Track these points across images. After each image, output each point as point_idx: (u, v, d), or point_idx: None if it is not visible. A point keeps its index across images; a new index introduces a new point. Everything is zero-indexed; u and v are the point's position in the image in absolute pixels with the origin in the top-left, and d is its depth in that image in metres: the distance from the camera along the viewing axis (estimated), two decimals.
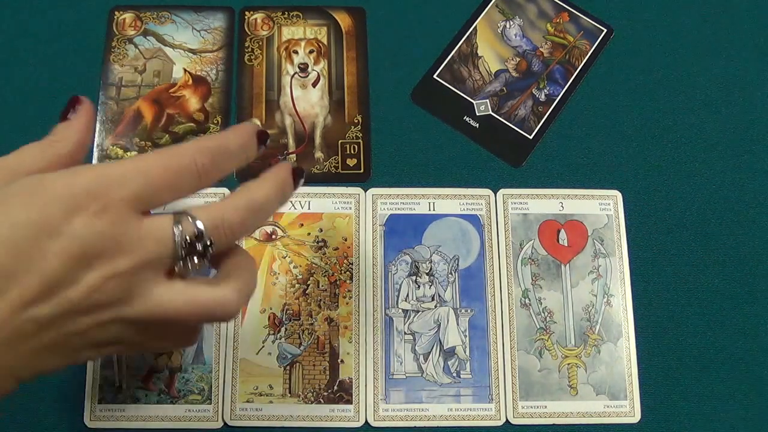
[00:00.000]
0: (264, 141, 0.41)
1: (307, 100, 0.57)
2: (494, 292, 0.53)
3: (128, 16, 0.59)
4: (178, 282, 0.36)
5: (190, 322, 0.38)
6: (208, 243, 0.36)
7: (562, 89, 0.59)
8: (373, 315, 0.52)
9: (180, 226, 0.35)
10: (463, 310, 0.53)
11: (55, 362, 0.36)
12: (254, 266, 0.40)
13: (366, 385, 0.51)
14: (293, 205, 0.54)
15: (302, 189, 0.54)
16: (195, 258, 0.36)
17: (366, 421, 0.50)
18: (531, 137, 0.57)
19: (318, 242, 0.54)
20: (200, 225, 0.35)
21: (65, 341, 0.35)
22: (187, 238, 0.35)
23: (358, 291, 0.53)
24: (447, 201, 0.55)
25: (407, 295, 0.53)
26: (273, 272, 0.53)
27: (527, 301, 0.53)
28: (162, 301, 0.35)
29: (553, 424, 0.51)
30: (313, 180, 0.55)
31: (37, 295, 0.33)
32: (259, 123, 0.42)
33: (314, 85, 0.58)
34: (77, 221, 0.33)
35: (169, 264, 0.36)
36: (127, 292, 0.35)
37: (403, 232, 0.54)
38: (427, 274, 0.53)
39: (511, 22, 0.60)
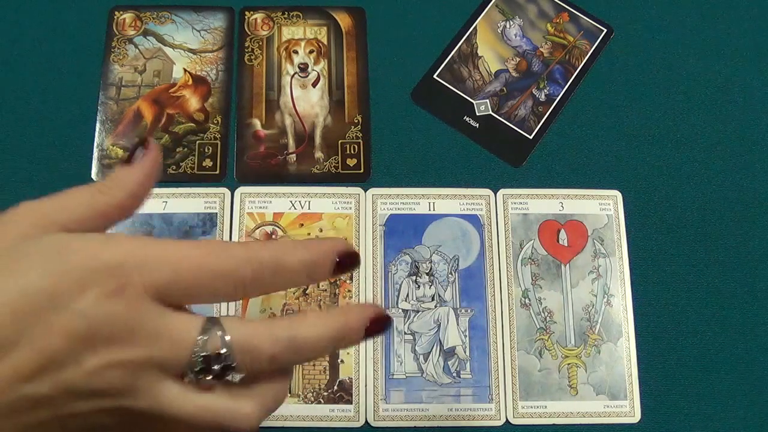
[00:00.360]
0: (350, 265, 0.35)
1: (307, 100, 0.57)
2: (494, 292, 0.53)
3: (128, 16, 0.59)
4: (191, 387, 0.32)
5: (199, 429, 0.33)
6: (228, 368, 0.32)
7: (562, 89, 0.59)
8: None
9: (206, 338, 0.31)
10: (463, 310, 0.53)
11: None
12: (285, 392, 0.35)
13: (366, 385, 0.51)
14: (293, 205, 0.54)
15: (302, 189, 0.54)
16: (208, 377, 0.32)
17: (366, 421, 0.50)
18: (531, 137, 0.57)
19: None
20: (229, 346, 0.31)
21: (61, 422, 0.32)
22: (208, 355, 0.31)
23: (358, 291, 0.53)
24: (447, 201, 0.55)
25: (407, 295, 0.53)
26: None
27: (527, 301, 0.53)
28: (170, 403, 0.32)
29: (553, 424, 0.51)
30: (313, 180, 0.55)
31: (33, 371, 0.30)
32: (349, 244, 0.36)
33: (314, 85, 0.58)
34: (89, 298, 0.30)
35: (180, 371, 0.32)
36: (132, 384, 0.31)
37: (403, 232, 0.54)
38: (427, 274, 0.53)
39: (511, 22, 0.61)
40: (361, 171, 0.56)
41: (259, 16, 0.60)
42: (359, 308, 0.34)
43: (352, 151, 0.56)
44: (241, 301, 0.52)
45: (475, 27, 0.60)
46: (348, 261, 0.34)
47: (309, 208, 0.54)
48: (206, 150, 0.56)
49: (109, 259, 0.31)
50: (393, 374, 0.51)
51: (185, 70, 0.58)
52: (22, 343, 0.30)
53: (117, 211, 0.34)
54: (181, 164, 0.55)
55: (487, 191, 0.55)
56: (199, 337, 0.31)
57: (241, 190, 0.54)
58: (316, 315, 0.33)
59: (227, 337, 0.31)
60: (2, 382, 0.30)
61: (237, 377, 0.33)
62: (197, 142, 0.56)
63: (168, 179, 0.55)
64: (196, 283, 0.31)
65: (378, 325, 0.34)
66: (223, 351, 0.31)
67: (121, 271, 0.31)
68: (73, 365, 0.30)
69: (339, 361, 0.51)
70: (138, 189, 0.34)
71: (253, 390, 0.33)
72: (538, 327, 0.53)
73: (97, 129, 0.56)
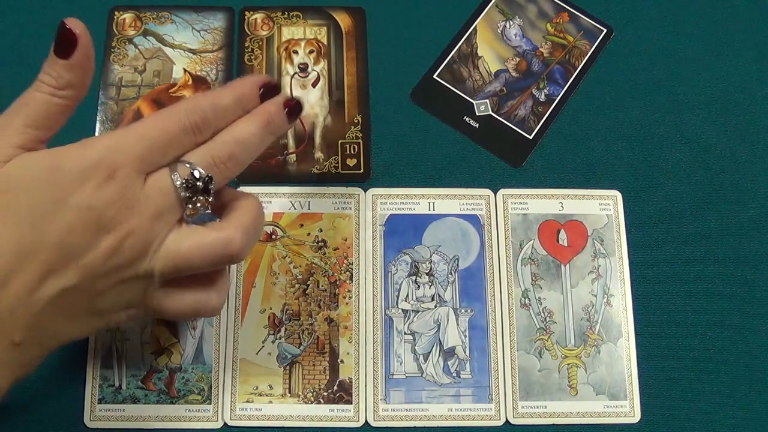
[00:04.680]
0: (271, 93, 0.42)
1: (307, 100, 0.57)
2: (494, 292, 0.53)
3: (128, 16, 0.59)
4: (184, 228, 0.39)
5: (201, 266, 0.39)
6: (208, 180, 0.38)
7: (562, 89, 0.59)
8: (373, 315, 0.52)
9: (177, 173, 0.38)
10: (462, 310, 0.53)
11: (85, 327, 0.39)
12: (257, 207, 0.41)
13: (366, 385, 0.51)
14: (293, 206, 0.54)
15: (302, 189, 0.54)
16: (201, 197, 0.38)
17: (366, 421, 0.50)
18: (531, 137, 0.57)
19: (318, 242, 0.54)
20: (195, 165, 0.38)
21: (92, 305, 0.38)
22: (186, 179, 0.38)
23: (358, 291, 0.53)
24: (447, 201, 0.55)
25: (407, 295, 0.53)
26: (273, 272, 0.53)
27: (527, 301, 0.53)
28: (172, 249, 0.38)
29: (553, 424, 0.51)
30: (313, 180, 0.55)
31: (60, 264, 0.35)
32: (268, 77, 0.45)
33: (314, 85, 0.58)
34: (88, 191, 0.36)
35: (178, 212, 0.38)
36: (143, 248, 0.37)
37: (403, 232, 0.54)
38: (427, 274, 0.53)
39: (511, 22, 0.61)
40: (361, 171, 0.56)
41: (259, 16, 0.60)
42: (271, 101, 0.41)
43: (352, 151, 0.56)
44: (241, 302, 0.52)
45: (475, 27, 0.60)
46: (269, 90, 0.42)
47: (309, 208, 0.54)
48: None
49: (93, 155, 0.36)
50: (393, 374, 0.51)
51: (185, 70, 0.58)
52: (44, 246, 0.35)
53: (71, 111, 0.40)
54: None
55: (487, 191, 0.55)
56: (173, 175, 0.38)
57: (241, 189, 0.54)
58: (243, 118, 0.40)
59: (188, 162, 0.38)
60: (37, 279, 0.35)
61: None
62: None
63: None
64: (165, 143, 0.38)
65: (292, 107, 0.42)
66: (194, 169, 0.38)
67: (107, 161, 0.36)
68: (92, 250, 0.36)
69: (339, 361, 0.51)
70: (87, 83, 0.40)
71: (230, 221, 0.40)
72: (538, 327, 0.53)
73: (97, 129, 0.56)
